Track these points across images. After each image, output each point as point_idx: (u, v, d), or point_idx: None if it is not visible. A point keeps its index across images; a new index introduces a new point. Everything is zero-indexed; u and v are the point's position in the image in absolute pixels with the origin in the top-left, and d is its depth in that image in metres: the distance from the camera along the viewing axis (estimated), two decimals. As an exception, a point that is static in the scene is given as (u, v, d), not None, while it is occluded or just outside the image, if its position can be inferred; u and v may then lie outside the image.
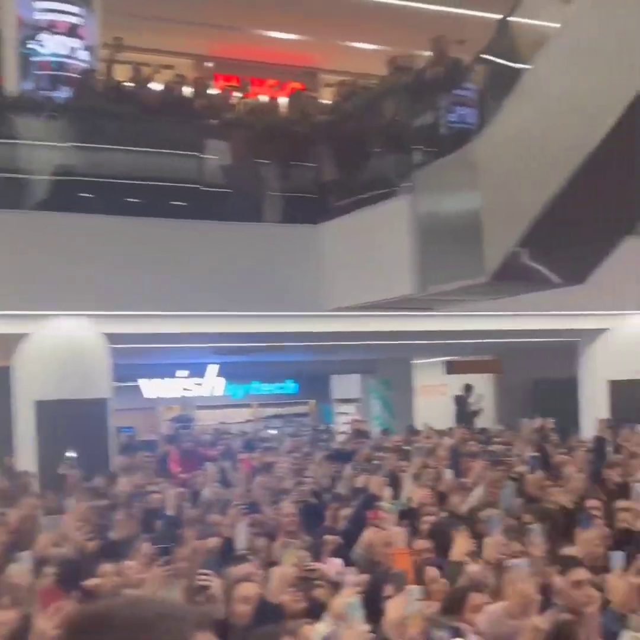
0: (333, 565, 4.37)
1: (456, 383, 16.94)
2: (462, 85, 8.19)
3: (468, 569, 4.43)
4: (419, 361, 17.21)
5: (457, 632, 2.87)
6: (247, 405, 18.98)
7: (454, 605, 3.88)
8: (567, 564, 4.06)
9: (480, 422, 15.45)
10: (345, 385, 18.66)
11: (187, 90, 9.52)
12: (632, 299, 10.73)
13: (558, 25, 6.34)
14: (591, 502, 5.95)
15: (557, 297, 8.72)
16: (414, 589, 3.47)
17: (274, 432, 17.14)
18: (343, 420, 17.91)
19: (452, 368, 16.70)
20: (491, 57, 7.64)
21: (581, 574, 3.93)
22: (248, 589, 3.76)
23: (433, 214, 7.69)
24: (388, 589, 3.94)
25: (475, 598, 3.84)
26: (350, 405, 18.76)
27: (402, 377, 17.14)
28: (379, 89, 9.42)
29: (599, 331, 11.58)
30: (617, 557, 4.51)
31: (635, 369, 11.36)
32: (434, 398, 17.36)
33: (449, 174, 7.44)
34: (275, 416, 19.10)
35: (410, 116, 8.80)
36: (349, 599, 3.45)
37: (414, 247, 7.87)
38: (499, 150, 6.77)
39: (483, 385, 17.28)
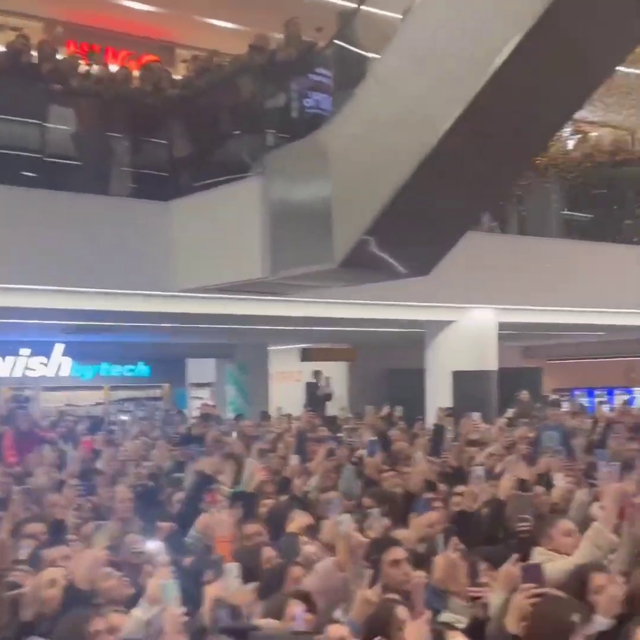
0: (153, 548, 4.27)
1: (312, 370, 17.14)
2: (316, 71, 8.19)
3: (304, 549, 4.44)
4: (275, 347, 17.26)
5: (233, 611, 2.87)
6: (99, 388, 18.45)
7: (275, 581, 3.88)
8: (386, 544, 4.16)
9: (335, 410, 15.68)
10: (200, 369, 18.46)
11: (33, 54, 9.02)
12: (476, 293, 11.16)
13: (405, 16, 6.44)
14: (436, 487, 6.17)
15: (406, 288, 8.93)
16: (232, 567, 3.45)
17: (126, 418, 16.71)
18: (197, 404, 17.73)
19: (307, 355, 16.88)
20: (342, 44, 7.69)
21: (398, 553, 4.03)
22: (53, 573, 3.63)
23: (284, 198, 7.66)
24: (208, 575, 3.90)
25: (295, 570, 3.87)
26: (205, 390, 18.60)
27: (258, 363, 17.14)
28: (233, 68, 9.31)
29: (445, 323, 11.98)
30: (439, 539, 4.67)
31: (477, 360, 11.86)
32: (289, 384, 17.49)
33: (300, 159, 7.43)
34: (128, 399, 18.66)
35: (263, 97, 8.75)
36: (162, 581, 3.37)
37: (265, 230, 7.82)
38: (348, 139, 6.81)
39: (339, 373, 17.57)
